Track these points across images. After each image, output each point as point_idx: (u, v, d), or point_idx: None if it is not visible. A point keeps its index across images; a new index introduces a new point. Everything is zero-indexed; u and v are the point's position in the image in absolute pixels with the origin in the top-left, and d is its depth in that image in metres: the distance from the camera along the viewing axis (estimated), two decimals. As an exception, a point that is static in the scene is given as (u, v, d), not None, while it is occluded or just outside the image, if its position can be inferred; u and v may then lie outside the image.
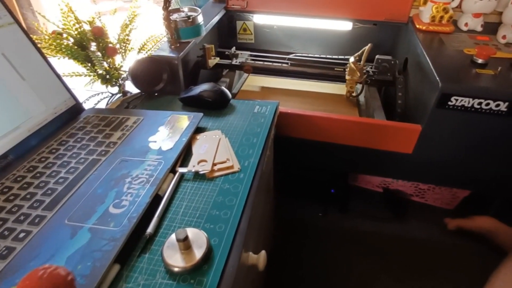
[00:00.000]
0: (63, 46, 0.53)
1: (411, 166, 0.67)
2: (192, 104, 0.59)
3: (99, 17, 0.62)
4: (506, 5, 0.71)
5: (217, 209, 0.37)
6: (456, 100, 0.56)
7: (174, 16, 0.68)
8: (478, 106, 0.56)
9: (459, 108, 0.57)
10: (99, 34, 0.57)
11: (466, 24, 0.74)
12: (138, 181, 0.39)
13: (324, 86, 0.89)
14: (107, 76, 0.59)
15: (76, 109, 0.54)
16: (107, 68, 0.59)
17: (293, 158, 0.73)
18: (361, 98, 0.84)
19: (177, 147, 0.44)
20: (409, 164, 0.66)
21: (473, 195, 0.74)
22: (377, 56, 0.77)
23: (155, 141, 0.46)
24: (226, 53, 0.83)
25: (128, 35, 0.64)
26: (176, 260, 0.30)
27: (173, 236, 0.32)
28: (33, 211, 0.35)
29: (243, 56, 0.87)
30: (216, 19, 0.86)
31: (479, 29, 0.74)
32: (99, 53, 0.57)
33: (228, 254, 0.32)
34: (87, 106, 0.58)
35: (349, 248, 0.73)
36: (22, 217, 0.34)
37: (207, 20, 0.82)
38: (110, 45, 0.61)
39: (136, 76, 0.60)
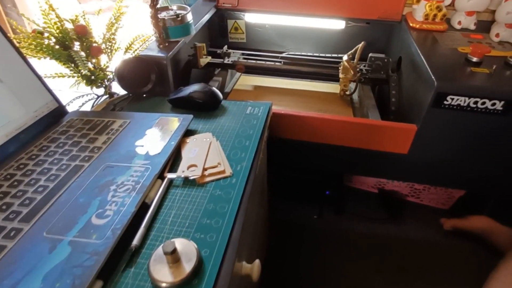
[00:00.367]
0: (44, 45, 0.50)
1: (406, 167, 0.66)
2: (182, 105, 0.57)
3: (84, 15, 0.59)
4: (499, 3, 0.70)
5: (208, 217, 0.35)
6: (452, 99, 0.55)
7: (163, 15, 0.66)
8: (474, 105, 0.55)
9: (455, 107, 0.56)
10: (82, 33, 0.54)
11: (459, 23, 0.74)
12: (124, 188, 0.36)
13: (317, 85, 0.87)
14: (92, 77, 0.56)
15: (58, 112, 0.51)
16: (92, 68, 0.57)
17: (287, 160, 0.71)
18: (355, 96, 0.83)
19: (165, 151, 0.42)
20: (404, 164, 0.65)
21: (468, 195, 0.73)
22: (370, 54, 0.76)
23: (142, 145, 0.44)
24: (218, 52, 0.81)
25: (114, 34, 0.61)
26: (164, 275, 0.28)
27: (160, 249, 0.30)
28: (8, 224, 0.32)
29: (235, 55, 0.85)
30: (206, 17, 0.84)
31: (472, 27, 0.74)
32: (82, 53, 0.54)
33: (220, 266, 0.30)
34: (71, 108, 0.55)
35: (345, 250, 0.71)
36: (-4, 230, 0.32)
37: (197, 18, 0.80)
38: (95, 44, 0.59)
39: (123, 76, 0.58)
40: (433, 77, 0.55)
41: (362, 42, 0.70)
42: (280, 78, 0.88)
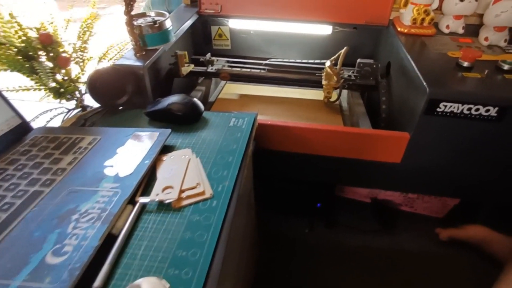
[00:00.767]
0: (2, 57, 0.45)
1: (400, 176, 0.63)
2: (160, 118, 0.52)
3: (52, 22, 0.55)
4: (487, 6, 0.69)
5: (184, 249, 0.31)
6: (445, 106, 0.53)
7: (139, 21, 0.62)
8: (468, 112, 0.53)
9: (448, 114, 0.53)
10: (47, 42, 0.49)
11: (447, 27, 0.72)
12: (88, 217, 0.32)
13: (305, 92, 0.84)
14: (61, 90, 0.52)
15: (22, 129, 0.46)
16: (61, 80, 0.52)
17: (275, 171, 0.68)
18: (344, 104, 0.81)
19: (138, 172, 0.38)
20: (398, 173, 0.63)
21: (463, 203, 0.71)
22: (358, 60, 0.73)
23: (112, 166, 0.39)
24: (201, 59, 0.77)
25: (85, 42, 0.57)
26: (128, 325, 0.24)
27: (125, 293, 0.25)
28: None
29: (220, 63, 0.81)
30: (188, 24, 0.80)
31: (461, 31, 0.72)
32: (49, 64, 0.50)
33: (196, 310, 0.26)
34: (38, 124, 0.51)
35: (338, 264, 0.68)
36: None
37: (178, 25, 0.77)
38: (65, 54, 0.54)
39: (95, 88, 0.53)
40: (424, 84, 0.53)
41: (345, 48, 0.67)
42: (267, 86, 0.85)
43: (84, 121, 0.51)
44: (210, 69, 0.76)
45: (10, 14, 0.47)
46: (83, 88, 0.57)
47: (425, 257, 0.69)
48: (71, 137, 0.45)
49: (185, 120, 0.51)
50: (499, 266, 0.59)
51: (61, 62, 0.51)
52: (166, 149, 0.45)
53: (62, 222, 0.31)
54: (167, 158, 0.42)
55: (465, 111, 0.53)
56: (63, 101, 0.55)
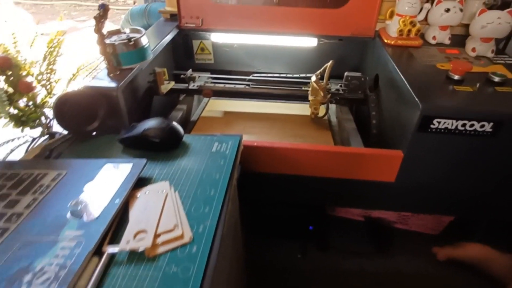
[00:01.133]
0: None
1: (395, 195, 0.60)
2: (135, 145, 0.48)
3: (15, 42, 0.50)
4: (472, 17, 0.68)
5: (158, 311, 0.26)
6: (439, 122, 0.50)
7: (113, 39, 0.58)
8: (462, 128, 0.50)
9: (442, 130, 0.51)
10: (5, 66, 0.45)
11: (434, 37, 0.71)
12: (43, 278, 0.27)
13: (292, 107, 0.81)
14: (22, 118, 0.47)
15: (-25, 165, 0.41)
16: (23, 107, 0.47)
17: (263, 195, 0.64)
18: (333, 118, 0.78)
19: (106, 215, 0.33)
20: (392, 193, 0.60)
21: (458, 219, 0.68)
22: (346, 73, 0.71)
23: (78, 208, 0.34)
24: (182, 76, 0.73)
25: (52, 63, 0.52)
26: None
27: None
28: None
29: (202, 79, 0.77)
30: (168, 38, 0.76)
31: (447, 42, 0.71)
32: (6, 89, 0.45)
33: None
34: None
35: (334, 289, 0.64)
36: None
37: (157, 40, 0.73)
38: (30, 77, 0.49)
39: (62, 113, 0.49)
40: (416, 99, 0.51)
41: (331, 61, 0.65)
42: (252, 101, 0.81)
43: (50, 152, 0.46)
44: (191, 86, 0.72)
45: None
46: (50, 113, 0.52)
47: (423, 279, 0.66)
48: (32, 173, 0.40)
49: (163, 147, 0.47)
50: (499, 286, 0.57)
51: (22, 87, 0.46)
52: (141, 182, 0.40)
53: (11, 286, 0.26)
54: (142, 194, 0.38)
55: (460, 127, 0.50)
56: (27, 129, 0.49)
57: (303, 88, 0.72)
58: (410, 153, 0.54)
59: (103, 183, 0.38)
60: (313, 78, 0.65)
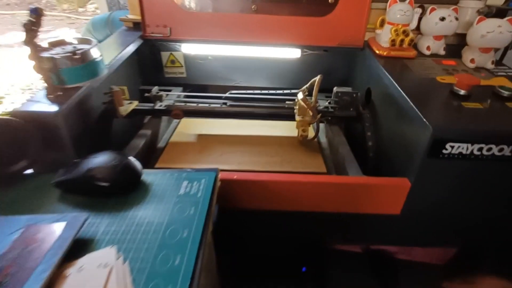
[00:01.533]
0: None
1: (399, 229, 0.52)
2: (77, 190, 0.36)
3: None
4: (467, 25, 0.63)
5: None
6: (452, 147, 0.42)
7: (55, 51, 0.46)
8: (479, 153, 0.43)
9: (456, 156, 0.43)
10: None
11: (428, 48, 0.65)
12: None
13: (276, 125, 0.72)
14: None
15: None
16: None
17: (247, 234, 0.53)
18: (323, 138, 0.69)
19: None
20: (397, 226, 0.52)
21: (466, 247, 0.61)
22: (335, 89, 0.63)
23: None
24: (146, 95, 0.62)
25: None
26: None
27: None
28: None
29: (171, 97, 0.67)
30: (129, 50, 0.66)
31: (442, 52, 0.65)
32: None
33: None
34: None
35: None
36: None
37: (116, 52, 0.62)
38: None
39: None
40: (424, 120, 0.43)
41: (319, 76, 0.57)
42: (231, 120, 0.71)
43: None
44: (158, 106, 0.61)
45: None
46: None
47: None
48: None
49: (114, 192, 0.36)
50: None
51: None
52: (77, 247, 0.29)
53: None
54: (73, 271, 0.26)
55: (476, 152, 0.43)
56: None
57: (286, 104, 0.63)
58: (419, 182, 0.46)
59: (19, 256, 0.26)
60: (300, 96, 0.57)
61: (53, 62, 0.44)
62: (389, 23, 0.63)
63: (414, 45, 0.66)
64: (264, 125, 0.72)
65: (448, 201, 0.48)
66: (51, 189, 0.37)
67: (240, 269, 0.58)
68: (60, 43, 0.50)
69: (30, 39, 0.41)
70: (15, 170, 0.38)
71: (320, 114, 0.56)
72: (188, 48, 0.77)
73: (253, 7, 0.67)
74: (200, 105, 0.62)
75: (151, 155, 0.60)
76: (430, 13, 0.62)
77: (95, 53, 0.49)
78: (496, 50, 0.64)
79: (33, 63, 0.43)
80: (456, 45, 0.70)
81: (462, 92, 0.50)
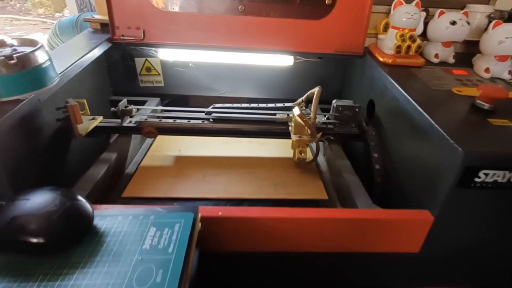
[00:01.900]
0: None
1: (417, 268, 0.44)
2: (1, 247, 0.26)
3: None
4: (478, 31, 0.57)
5: None
6: (486, 175, 0.35)
7: (-14, 55, 0.36)
8: (517, 181, 0.35)
9: (489, 185, 0.35)
10: None
11: (436, 55, 0.58)
12: None
13: (267, 142, 0.63)
14: None
15: None
16: None
17: (236, 280, 0.44)
18: (320, 157, 0.61)
19: None
20: (414, 266, 0.43)
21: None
22: (335, 102, 0.55)
23: None
24: (112, 109, 0.52)
25: None
26: None
27: None
28: None
29: (143, 112, 0.56)
30: (93, 55, 0.55)
31: (451, 60, 0.59)
32: None
33: None
34: None
35: None
36: None
37: (76, 57, 0.51)
38: None
39: None
40: (452, 141, 0.35)
41: (317, 88, 0.49)
42: (214, 137, 0.62)
43: None
44: (127, 122, 0.51)
45: None
46: None
47: None
48: None
49: (51, 250, 0.25)
50: None
51: None
52: None
53: None
54: None
55: (513, 180, 0.35)
56: None
57: (277, 115, 0.54)
58: (444, 215, 0.38)
59: None
60: (296, 111, 0.48)
61: (-20, 69, 0.34)
62: (393, 27, 0.56)
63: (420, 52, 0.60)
64: (252, 141, 0.63)
65: (477, 237, 0.40)
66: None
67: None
68: (-3, 44, 0.39)
69: None
70: None
71: (320, 133, 0.48)
72: (166, 54, 0.67)
73: (240, 7, 0.59)
74: (178, 121, 0.52)
75: (116, 183, 0.49)
76: (439, 16, 0.56)
77: (41, 57, 0.38)
78: None
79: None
80: (462, 53, 0.64)
81: (486, 106, 0.42)
